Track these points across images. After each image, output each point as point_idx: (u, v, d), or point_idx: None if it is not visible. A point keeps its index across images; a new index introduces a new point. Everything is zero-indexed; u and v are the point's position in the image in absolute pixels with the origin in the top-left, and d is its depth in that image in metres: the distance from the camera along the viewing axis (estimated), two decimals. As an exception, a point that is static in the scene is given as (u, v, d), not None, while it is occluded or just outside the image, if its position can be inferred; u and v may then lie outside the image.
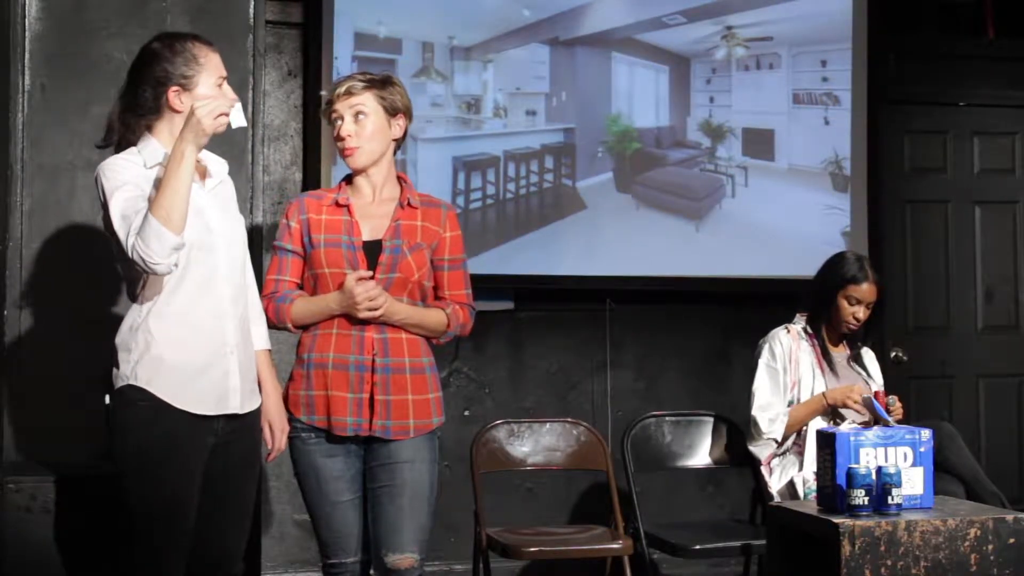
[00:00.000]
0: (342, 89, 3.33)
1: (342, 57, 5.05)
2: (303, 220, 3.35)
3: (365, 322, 3.27)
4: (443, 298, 3.40)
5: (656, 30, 5.44)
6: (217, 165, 3.20)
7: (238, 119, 3.01)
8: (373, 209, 3.37)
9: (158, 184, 2.93)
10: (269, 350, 3.30)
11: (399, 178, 3.44)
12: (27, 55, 4.02)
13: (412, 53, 5.15)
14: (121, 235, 2.91)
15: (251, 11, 4.22)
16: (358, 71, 3.49)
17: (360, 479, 3.33)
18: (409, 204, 3.37)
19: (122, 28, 4.09)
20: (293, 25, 5.12)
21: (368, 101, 3.33)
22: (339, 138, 3.33)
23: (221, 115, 2.93)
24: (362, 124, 3.32)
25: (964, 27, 6.07)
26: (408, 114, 3.41)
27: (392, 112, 3.36)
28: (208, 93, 3.02)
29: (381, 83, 3.36)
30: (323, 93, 3.38)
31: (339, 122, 3.33)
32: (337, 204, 3.36)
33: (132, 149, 3.08)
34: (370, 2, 5.11)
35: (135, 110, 3.08)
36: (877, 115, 5.67)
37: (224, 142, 3.13)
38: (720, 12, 5.49)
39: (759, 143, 5.52)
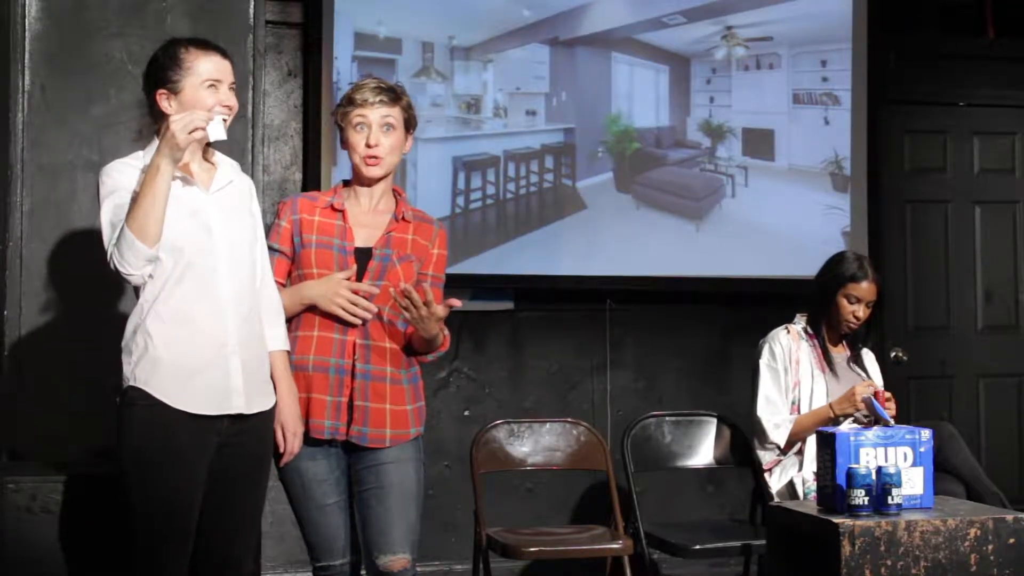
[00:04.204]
0: (375, 98, 3.31)
1: (342, 57, 5.05)
2: (294, 220, 3.34)
3: (348, 327, 3.26)
4: None
5: (656, 30, 5.44)
6: (227, 167, 3.19)
7: (217, 132, 2.99)
8: (368, 219, 3.36)
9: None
10: (287, 351, 3.27)
11: (395, 191, 3.44)
12: (27, 55, 4.02)
13: (412, 53, 5.16)
14: (105, 242, 2.97)
15: (251, 11, 4.22)
16: (377, 78, 3.44)
17: (345, 481, 3.33)
18: (403, 218, 3.37)
19: (122, 28, 4.10)
20: (293, 25, 5.12)
21: (397, 115, 3.33)
22: (368, 145, 3.30)
23: (196, 129, 2.92)
24: (388, 136, 3.32)
25: (964, 27, 6.07)
26: (415, 129, 3.44)
27: (407, 127, 3.38)
28: (196, 96, 3.02)
29: (401, 96, 3.36)
30: (356, 97, 3.32)
31: (364, 128, 3.31)
32: (332, 208, 3.35)
33: (138, 153, 3.10)
34: (370, 2, 5.11)
35: (150, 115, 3.12)
36: (877, 115, 5.67)
37: (224, 142, 3.12)
38: (720, 12, 5.49)
39: (759, 143, 5.52)
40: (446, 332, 3.36)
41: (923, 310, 5.97)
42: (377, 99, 3.31)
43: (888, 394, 4.08)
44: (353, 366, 3.26)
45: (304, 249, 3.31)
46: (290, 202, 3.39)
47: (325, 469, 3.30)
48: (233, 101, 3.09)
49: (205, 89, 3.05)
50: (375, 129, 3.31)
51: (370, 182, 3.36)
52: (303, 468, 3.29)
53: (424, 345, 3.32)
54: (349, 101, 3.34)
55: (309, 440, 3.28)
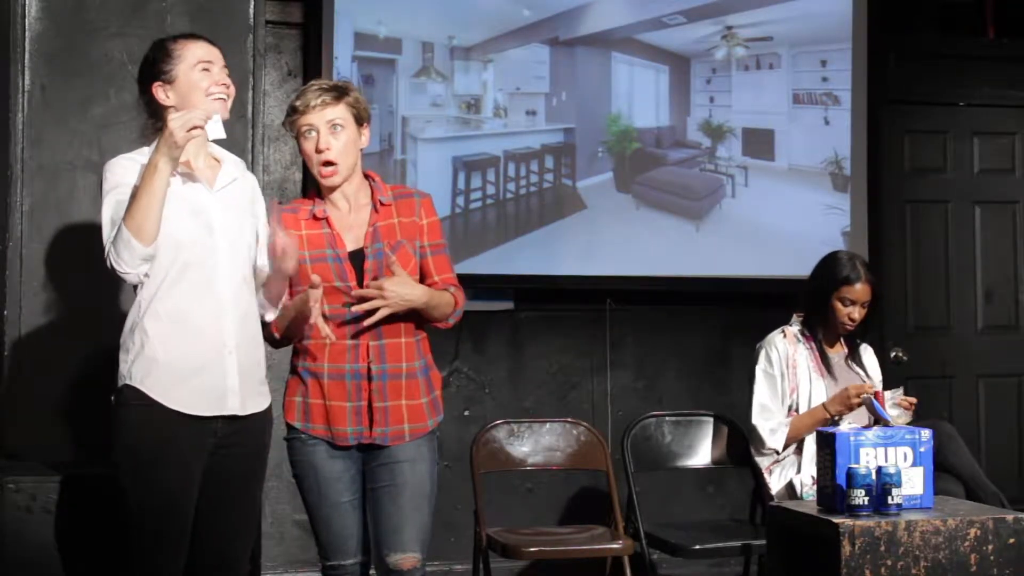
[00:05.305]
0: (317, 101, 3.24)
1: (342, 57, 5.05)
2: None
3: (360, 331, 3.24)
4: (435, 283, 3.34)
5: (656, 30, 5.44)
6: (231, 164, 3.19)
7: (216, 131, 2.99)
8: (352, 219, 3.32)
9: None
10: None
11: (368, 176, 3.38)
12: (27, 55, 4.02)
13: (412, 53, 5.15)
14: (104, 239, 2.97)
15: (251, 11, 4.22)
16: (320, 80, 3.40)
17: (359, 480, 3.32)
18: (382, 203, 3.33)
19: (122, 28, 4.09)
20: (293, 25, 5.12)
21: (343, 112, 3.26)
22: (318, 151, 3.25)
23: (195, 128, 2.91)
24: (338, 137, 3.25)
25: (964, 27, 6.06)
26: (369, 121, 3.36)
27: (359, 122, 3.31)
28: (190, 81, 3.03)
29: (346, 92, 3.30)
30: (298, 104, 3.27)
31: (312, 134, 3.25)
32: (315, 217, 3.31)
33: (143, 148, 3.09)
34: (370, 2, 5.11)
35: (148, 115, 3.12)
36: (877, 115, 5.67)
37: (225, 142, 3.12)
38: (720, 12, 5.49)
39: (759, 143, 5.52)
40: (452, 290, 3.33)
41: (923, 310, 5.97)
42: (319, 100, 3.24)
43: (913, 399, 4.06)
44: (368, 369, 3.25)
45: (300, 266, 3.23)
46: None
47: (341, 467, 3.29)
48: (228, 81, 3.09)
49: (198, 72, 3.05)
50: (323, 133, 3.24)
51: (333, 189, 3.31)
52: (319, 465, 3.29)
53: (433, 312, 3.29)
54: (293, 110, 3.29)
55: (327, 442, 3.28)
